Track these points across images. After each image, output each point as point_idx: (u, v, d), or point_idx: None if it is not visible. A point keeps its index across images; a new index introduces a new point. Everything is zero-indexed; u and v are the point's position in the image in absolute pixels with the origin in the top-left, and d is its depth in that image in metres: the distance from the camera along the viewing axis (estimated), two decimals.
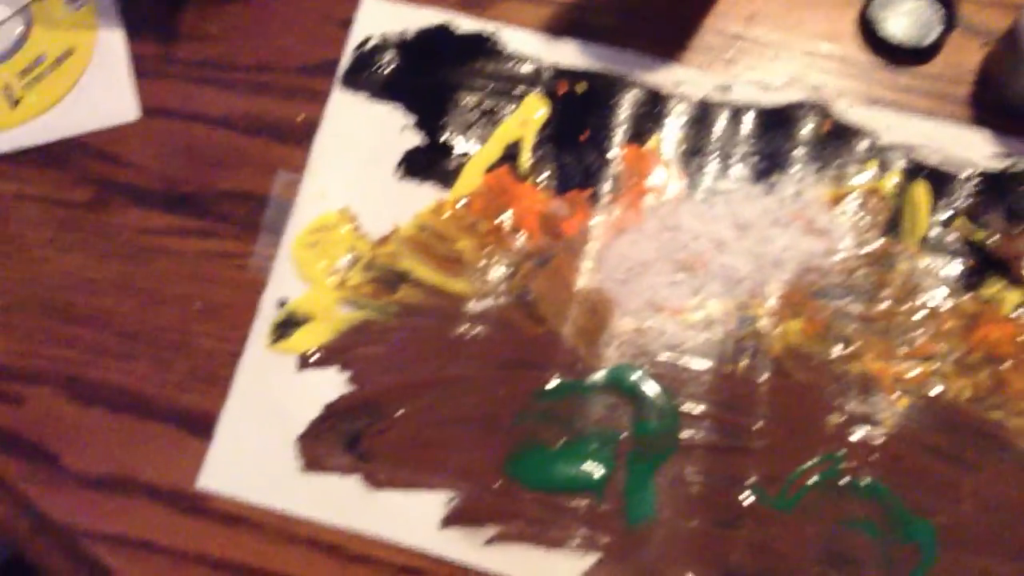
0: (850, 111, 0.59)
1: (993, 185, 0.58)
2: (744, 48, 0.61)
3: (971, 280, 0.56)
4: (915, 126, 0.59)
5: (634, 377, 0.56)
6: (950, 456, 0.54)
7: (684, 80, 0.60)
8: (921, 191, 0.58)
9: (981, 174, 0.58)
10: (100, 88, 0.63)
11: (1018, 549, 0.52)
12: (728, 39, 0.61)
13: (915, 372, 0.55)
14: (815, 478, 0.54)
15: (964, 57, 0.60)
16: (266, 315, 0.58)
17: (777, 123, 0.59)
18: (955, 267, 0.57)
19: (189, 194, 0.60)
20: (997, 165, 0.58)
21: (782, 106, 0.60)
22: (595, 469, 0.55)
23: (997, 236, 0.56)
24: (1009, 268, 0.56)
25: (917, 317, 0.56)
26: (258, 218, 0.60)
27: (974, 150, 0.58)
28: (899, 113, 0.59)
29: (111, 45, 0.64)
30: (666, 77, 0.60)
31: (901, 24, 0.60)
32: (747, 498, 0.54)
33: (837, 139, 0.59)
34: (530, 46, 0.62)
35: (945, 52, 0.60)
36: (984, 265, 0.56)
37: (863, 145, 0.59)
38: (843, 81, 0.60)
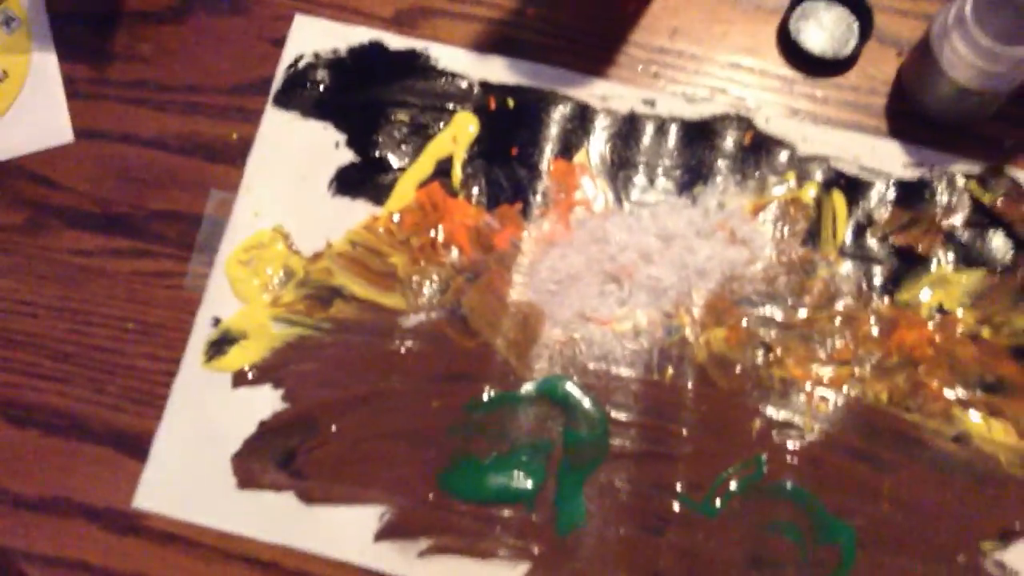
0: (770, 123, 0.60)
1: (908, 193, 0.59)
2: (668, 62, 0.62)
3: (888, 285, 0.58)
4: (832, 137, 0.60)
5: (564, 387, 0.57)
6: (869, 458, 0.55)
7: (610, 94, 0.61)
8: (839, 200, 0.59)
9: (896, 183, 0.59)
10: (34, 111, 0.63)
11: (935, 549, 0.54)
12: (652, 53, 0.62)
13: (835, 376, 0.56)
14: (738, 483, 0.55)
15: (880, 67, 0.61)
16: (201, 333, 0.58)
17: (701, 136, 0.60)
18: (873, 273, 0.58)
19: (123, 215, 0.61)
20: (912, 174, 0.59)
21: (705, 119, 0.61)
22: (526, 480, 0.55)
23: (1002, 198, 0.58)
24: (1012, 228, 0.58)
25: (836, 323, 0.57)
26: (192, 237, 0.60)
27: (889, 160, 0.59)
28: (817, 125, 0.60)
29: (45, 68, 0.64)
30: (592, 92, 0.61)
31: (818, 36, 0.61)
32: (674, 504, 0.55)
33: (758, 151, 0.60)
34: (460, 63, 0.63)
35: (861, 63, 0.61)
36: (910, 260, 0.58)
37: (783, 156, 0.60)
38: (764, 93, 0.61)
